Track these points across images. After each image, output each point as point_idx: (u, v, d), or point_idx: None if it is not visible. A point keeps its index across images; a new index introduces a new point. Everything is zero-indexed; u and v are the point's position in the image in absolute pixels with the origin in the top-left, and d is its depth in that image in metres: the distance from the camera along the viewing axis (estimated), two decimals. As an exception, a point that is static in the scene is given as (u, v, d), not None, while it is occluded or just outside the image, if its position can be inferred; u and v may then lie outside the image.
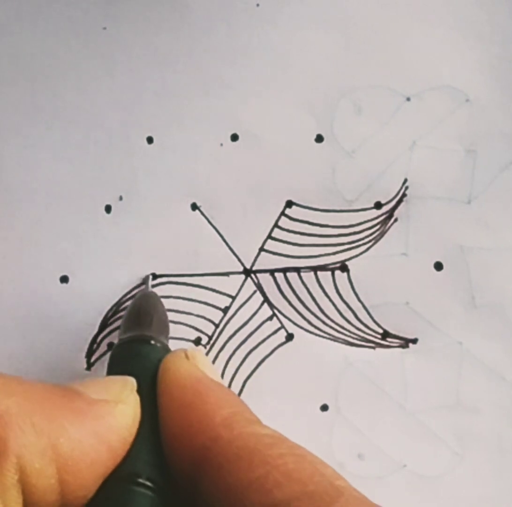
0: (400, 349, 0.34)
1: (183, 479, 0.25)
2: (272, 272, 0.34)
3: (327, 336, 0.34)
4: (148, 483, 0.24)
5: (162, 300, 0.33)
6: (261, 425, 0.25)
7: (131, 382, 0.27)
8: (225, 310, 0.34)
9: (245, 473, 0.23)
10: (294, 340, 0.34)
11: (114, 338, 0.34)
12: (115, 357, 0.29)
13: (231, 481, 0.23)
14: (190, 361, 0.28)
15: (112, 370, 0.28)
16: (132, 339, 0.29)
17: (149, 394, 0.26)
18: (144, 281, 0.34)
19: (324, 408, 0.34)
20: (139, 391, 0.26)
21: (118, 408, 0.25)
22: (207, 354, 0.34)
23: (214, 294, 0.34)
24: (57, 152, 0.34)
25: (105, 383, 0.26)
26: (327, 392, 0.33)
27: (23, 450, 0.23)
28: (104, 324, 0.34)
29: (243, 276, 0.34)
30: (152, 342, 0.29)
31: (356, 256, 0.34)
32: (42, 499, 0.23)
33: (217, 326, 0.34)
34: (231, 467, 0.23)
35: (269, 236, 0.34)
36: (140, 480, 0.24)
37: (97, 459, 0.24)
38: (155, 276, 0.34)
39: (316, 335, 0.34)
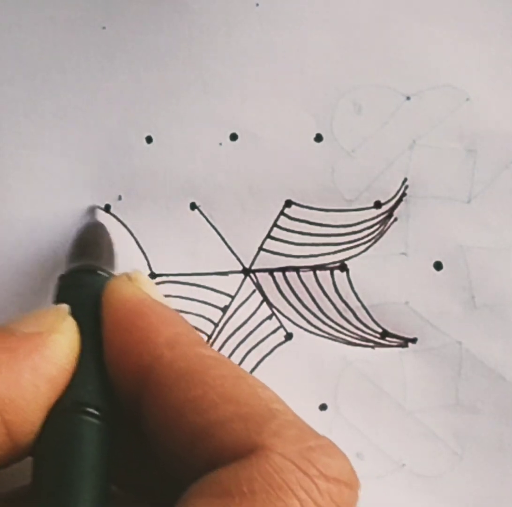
0: (399, 349, 0.34)
1: (127, 402, 0.24)
2: (271, 271, 0.34)
3: (326, 335, 0.34)
4: (94, 411, 0.24)
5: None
6: (206, 346, 0.25)
7: (63, 309, 0.26)
8: (224, 309, 0.34)
9: (183, 392, 0.23)
10: (293, 339, 0.34)
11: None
12: (60, 288, 0.28)
13: (170, 401, 0.23)
14: (134, 283, 0.27)
15: (55, 301, 0.28)
16: (77, 269, 0.29)
17: (92, 320, 0.26)
18: (89, 212, 0.33)
19: (323, 407, 0.34)
20: (81, 319, 0.26)
21: (51, 338, 0.25)
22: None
23: (213, 293, 0.34)
24: (57, 152, 0.34)
25: (37, 315, 0.26)
26: (326, 391, 0.33)
27: None
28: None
29: (242, 275, 0.34)
30: (98, 272, 0.28)
31: (356, 255, 0.34)
32: None
33: (216, 325, 0.34)
34: (171, 387, 0.23)
35: (268, 236, 0.34)
36: (86, 409, 0.24)
37: (36, 393, 0.24)
38: (154, 275, 0.34)
39: (315, 334, 0.34)
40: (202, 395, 0.23)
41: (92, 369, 0.25)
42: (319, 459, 0.23)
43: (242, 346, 0.34)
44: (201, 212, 0.34)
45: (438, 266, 0.34)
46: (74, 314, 0.26)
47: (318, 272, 0.34)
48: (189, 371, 0.24)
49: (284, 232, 0.34)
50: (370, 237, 0.34)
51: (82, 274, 0.28)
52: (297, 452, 0.22)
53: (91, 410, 0.24)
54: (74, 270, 0.29)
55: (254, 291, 0.34)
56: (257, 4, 0.34)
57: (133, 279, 0.28)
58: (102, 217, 0.33)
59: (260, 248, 0.34)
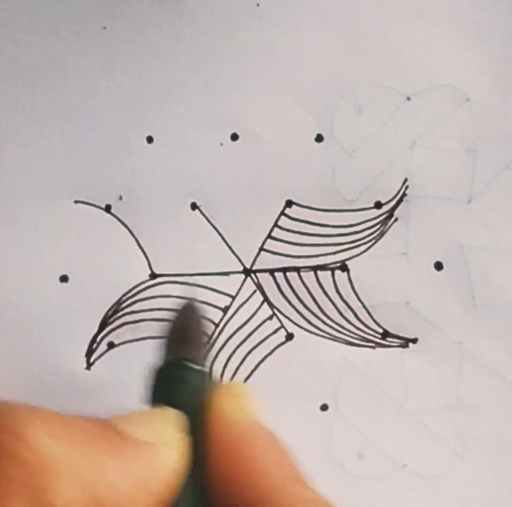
0: (400, 349, 0.34)
1: None
2: (272, 271, 0.34)
3: (327, 336, 0.34)
4: None
5: (162, 299, 0.33)
6: (306, 486, 0.24)
7: (176, 420, 0.24)
8: (225, 310, 0.34)
9: None
10: (294, 339, 0.34)
11: (114, 337, 0.34)
12: (158, 382, 0.26)
13: None
14: (241, 400, 0.25)
15: (154, 396, 0.26)
16: (175, 362, 0.26)
17: (195, 432, 0.24)
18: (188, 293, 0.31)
19: (324, 407, 0.33)
20: (185, 429, 0.24)
21: (162, 451, 0.23)
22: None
23: (214, 293, 0.34)
24: (57, 152, 0.34)
25: (150, 420, 0.24)
26: (327, 392, 0.33)
27: (65, 503, 0.20)
28: (104, 323, 0.34)
29: (243, 276, 0.34)
30: (192, 365, 0.26)
31: (356, 255, 0.34)
32: None
33: (217, 325, 0.34)
34: None
35: (269, 236, 0.34)
36: None
37: (136, 505, 0.22)
38: (154, 275, 0.34)
39: (316, 334, 0.34)
40: None
41: (193, 490, 0.24)
42: None
43: (242, 346, 0.34)
44: (201, 213, 0.34)
45: (438, 266, 0.34)
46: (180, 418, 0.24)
47: (319, 272, 0.34)
48: None
49: (285, 232, 0.34)
50: (370, 237, 0.34)
51: (181, 369, 0.26)
52: None
53: None
54: (172, 363, 0.27)
55: (254, 291, 0.34)
56: (258, 4, 0.34)
57: (239, 394, 0.26)
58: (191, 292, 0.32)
59: (261, 248, 0.34)
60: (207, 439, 0.24)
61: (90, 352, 0.34)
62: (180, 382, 0.26)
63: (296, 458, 0.25)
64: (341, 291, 0.34)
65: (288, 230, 0.34)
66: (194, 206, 0.34)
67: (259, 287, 0.34)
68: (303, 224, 0.34)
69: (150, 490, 0.22)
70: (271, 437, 0.25)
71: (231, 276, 0.34)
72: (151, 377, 0.26)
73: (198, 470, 0.24)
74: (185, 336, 0.27)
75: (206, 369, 0.26)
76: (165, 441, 0.23)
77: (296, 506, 0.23)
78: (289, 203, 0.34)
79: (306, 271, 0.34)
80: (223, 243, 0.34)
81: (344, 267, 0.34)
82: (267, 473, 0.24)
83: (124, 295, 0.34)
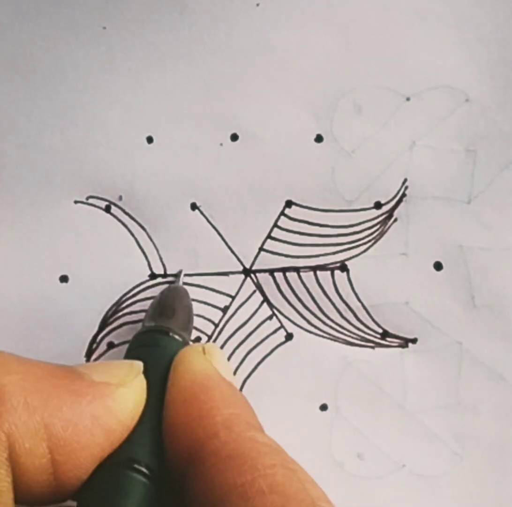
0: (399, 349, 0.34)
1: (177, 471, 0.25)
2: (271, 271, 0.34)
3: (327, 336, 0.34)
4: (145, 470, 0.24)
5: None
6: (261, 432, 0.25)
7: (138, 366, 0.26)
8: (224, 310, 0.34)
9: (232, 475, 0.23)
10: (293, 339, 0.34)
11: (114, 337, 0.34)
12: (133, 344, 0.29)
13: (218, 481, 0.23)
14: (206, 356, 0.27)
15: (128, 356, 0.28)
16: (153, 328, 0.29)
17: (159, 383, 0.26)
18: (176, 275, 0.34)
19: (324, 407, 0.34)
20: (149, 379, 0.26)
21: (119, 391, 0.25)
22: (206, 353, 0.34)
23: (214, 293, 0.34)
24: (57, 152, 0.34)
25: (110, 366, 0.26)
26: (327, 392, 0.33)
27: (13, 428, 0.22)
28: (103, 324, 0.34)
29: (242, 276, 0.34)
30: (171, 334, 0.29)
31: (356, 255, 0.34)
32: (32, 478, 0.23)
33: (216, 325, 0.34)
34: (221, 467, 0.23)
35: (269, 236, 0.34)
36: (137, 466, 0.24)
37: (92, 441, 0.24)
38: (154, 275, 0.34)
39: (316, 334, 0.34)
40: (250, 482, 0.23)
41: (150, 430, 0.25)
42: None
43: (242, 346, 0.34)
44: (201, 213, 0.34)
45: (438, 266, 0.34)
46: (145, 373, 0.27)
47: (318, 272, 0.34)
48: (241, 455, 0.23)
49: (285, 232, 0.34)
50: (370, 237, 0.34)
51: (157, 334, 0.29)
52: None
53: (141, 468, 0.24)
54: (149, 329, 0.29)
55: (254, 291, 0.34)
56: (257, 4, 0.34)
57: (206, 352, 0.28)
58: (182, 280, 0.34)
59: (261, 248, 0.34)
60: (167, 384, 0.26)
61: (90, 352, 0.34)
62: (154, 344, 0.28)
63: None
64: (340, 291, 0.34)
65: (287, 230, 0.34)
66: (194, 206, 0.34)
67: (258, 287, 0.34)
68: (302, 224, 0.34)
69: (103, 426, 0.24)
70: (229, 387, 0.26)
71: (231, 276, 0.34)
72: (132, 339, 0.29)
73: (156, 412, 0.25)
74: (168, 310, 0.30)
75: (181, 339, 0.29)
76: (123, 382, 0.25)
77: (249, 447, 0.24)
78: (288, 204, 0.34)
79: (305, 271, 0.34)
80: (223, 243, 0.34)
81: (343, 267, 0.34)
82: (221, 416, 0.25)
83: (124, 295, 0.34)
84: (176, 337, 0.29)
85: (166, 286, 0.33)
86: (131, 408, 0.25)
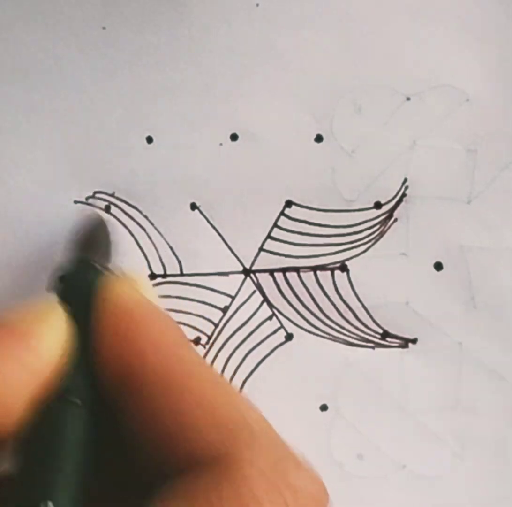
0: (399, 349, 0.34)
1: (110, 400, 0.25)
2: (271, 271, 0.34)
3: (327, 336, 0.34)
4: (77, 401, 0.24)
5: (162, 299, 0.33)
6: (190, 351, 0.25)
7: (63, 305, 0.26)
8: (224, 310, 0.34)
9: (161, 395, 0.23)
10: (293, 339, 0.34)
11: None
12: (54, 280, 0.28)
13: (147, 403, 0.23)
14: (130, 282, 0.27)
15: (54, 290, 0.28)
16: (73, 261, 0.29)
17: (86, 314, 0.26)
18: (94, 206, 0.33)
19: (324, 408, 0.33)
20: (75, 312, 0.26)
21: (41, 330, 0.24)
22: (206, 353, 0.34)
23: (214, 293, 0.34)
24: (57, 152, 0.34)
25: (27, 305, 0.26)
26: (327, 392, 0.33)
27: None
28: (103, 324, 0.34)
29: (242, 276, 0.34)
30: (94, 264, 0.28)
31: (356, 255, 0.34)
32: None
33: (216, 325, 0.34)
34: (149, 389, 0.23)
35: (269, 236, 0.34)
36: (70, 399, 0.24)
37: (19, 384, 0.23)
38: (154, 275, 0.34)
39: (316, 334, 0.34)
40: (180, 399, 0.23)
41: (81, 363, 0.25)
42: (289, 472, 0.23)
43: (242, 346, 0.34)
44: (201, 213, 0.34)
45: (438, 266, 0.34)
46: (69, 306, 0.26)
47: (318, 272, 0.34)
48: (169, 374, 0.24)
49: (285, 232, 0.34)
50: (370, 237, 0.34)
51: (78, 266, 0.29)
52: (267, 464, 0.22)
53: (74, 400, 0.24)
54: (69, 261, 0.29)
55: (254, 291, 0.34)
56: (257, 4, 0.34)
57: (130, 278, 0.28)
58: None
59: (261, 248, 0.34)
60: (94, 318, 0.26)
61: (89, 352, 0.34)
62: (79, 278, 0.28)
63: (180, 328, 0.26)
64: (340, 291, 0.34)
65: (287, 230, 0.34)
66: (194, 206, 0.34)
67: (258, 287, 0.34)
68: (302, 224, 0.34)
69: (29, 368, 0.24)
70: (157, 312, 0.26)
71: (231, 276, 0.34)
72: (53, 272, 0.28)
73: (85, 348, 0.25)
74: (91, 242, 0.30)
75: (104, 269, 0.29)
76: (48, 324, 0.25)
77: (179, 366, 0.24)
78: (288, 204, 0.34)
79: (305, 271, 0.34)
80: (223, 243, 0.34)
81: (343, 267, 0.34)
82: (150, 340, 0.25)
83: (124, 295, 0.34)
84: (98, 266, 0.28)
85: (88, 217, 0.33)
86: (55, 344, 0.25)
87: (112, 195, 0.34)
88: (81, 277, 0.28)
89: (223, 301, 0.34)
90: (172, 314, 0.33)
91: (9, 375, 0.23)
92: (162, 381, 0.24)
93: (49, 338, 0.25)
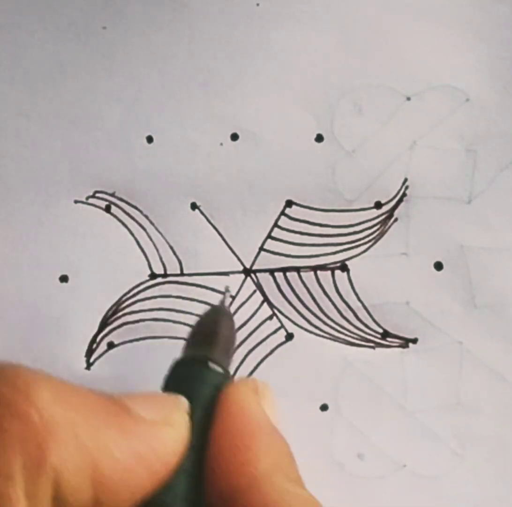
0: (400, 349, 0.34)
1: None
2: (272, 271, 0.34)
3: (327, 336, 0.34)
4: None
5: (162, 299, 0.33)
6: (300, 485, 0.25)
7: (183, 403, 0.25)
8: (224, 310, 0.34)
9: None
10: (294, 339, 0.34)
11: (114, 337, 0.34)
12: (172, 376, 0.27)
13: None
14: (257, 397, 0.26)
15: (167, 389, 0.26)
16: (191, 358, 0.27)
17: (202, 420, 0.25)
18: (224, 292, 0.31)
19: (324, 407, 0.33)
20: (191, 416, 0.25)
21: (165, 431, 0.24)
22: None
23: (214, 293, 0.34)
24: (57, 152, 0.34)
25: (156, 400, 0.25)
26: (327, 392, 0.33)
27: (62, 464, 0.21)
28: (103, 324, 0.34)
29: (243, 276, 0.34)
30: (211, 365, 0.26)
31: (356, 255, 0.34)
32: None
33: (216, 325, 0.34)
34: None
35: (269, 236, 0.34)
36: None
37: (136, 482, 0.23)
38: (154, 275, 0.34)
39: (316, 334, 0.34)
40: None
41: (191, 472, 0.24)
42: None
43: (243, 346, 0.34)
44: (201, 212, 0.34)
45: (438, 266, 0.34)
46: (190, 407, 0.25)
47: (318, 272, 0.34)
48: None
49: (285, 232, 0.34)
50: (370, 237, 0.34)
51: (197, 366, 0.27)
52: None
53: None
54: (188, 359, 0.27)
55: (254, 291, 0.34)
56: (257, 4, 0.34)
57: (260, 392, 0.26)
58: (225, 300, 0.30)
59: (261, 248, 0.34)
60: (212, 425, 0.25)
61: (90, 352, 0.34)
62: (197, 379, 0.26)
63: (296, 460, 0.25)
64: (341, 291, 0.34)
65: (288, 230, 0.34)
66: (194, 206, 0.34)
67: (259, 286, 0.34)
68: (303, 224, 0.34)
69: (147, 466, 0.23)
70: (276, 435, 0.25)
71: (231, 275, 0.34)
72: (170, 369, 0.27)
73: (198, 454, 0.24)
74: (212, 336, 0.28)
75: (227, 373, 0.27)
76: (169, 422, 0.24)
77: (285, 500, 0.23)
78: (289, 203, 0.34)
79: (306, 271, 0.34)
80: (223, 243, 0.34)
81: (344, 267, 0.34)
82: (263, 466, 0.24)
83: (124, 295, 0.34)
84: (217, 367, 0.27)
85: (208, 307, 0.31)
86: (175, 448, 0.24)
87: (112, 195, 0.34)
88: (202, 377, 0.26)
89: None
90: (172, 313, 0.34)
91: (129, 470, 0.23)
92: None
93: (171, 441, 0.24)
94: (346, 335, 0.34)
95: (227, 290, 0.31)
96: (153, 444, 0.23)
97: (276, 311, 0.34)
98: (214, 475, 0.24)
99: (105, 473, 0.22)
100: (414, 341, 0.34)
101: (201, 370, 0.26)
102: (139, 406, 0.24)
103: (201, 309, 0.34)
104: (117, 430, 0.23)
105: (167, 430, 0.24)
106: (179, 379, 0.26)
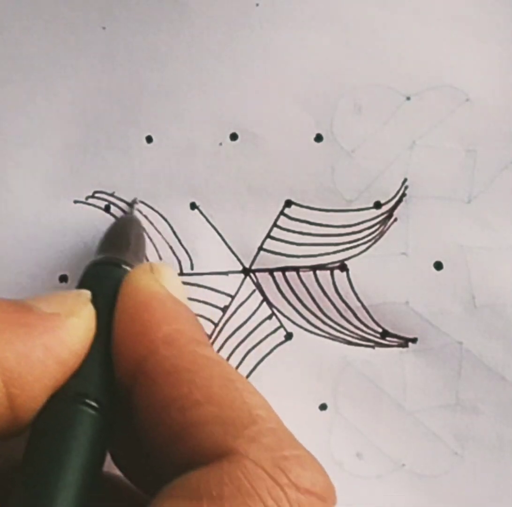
0: (399, 349, 0.34)
1: (124, 394, 0.25)
2: (271, 271, 0.34)
3: (326, 335, 0.34)
4: (94, 404, 0.24)
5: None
6: (203, 346, 0.25)
7: (85, 294, 0.26)
8: (224, 309, 0.34)
9: (170, 389, 0.23)
10: (293, 339, 0.34)
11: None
12: (84, 277, 0.29)
13: (157, 396, 0.24)
14: (153, 275, 0.27)
15: (78, 287, 0.28)
16: (104, 261, 0.29)
17: (108, 311, 0.26)
18: (131, 204, 0.33)
19: (323, 407, 0.33)
20: (98, 308, 0.26)
21: (69, 321, 0.25)
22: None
23: (213, 293, 0.34)
24: (57, 152, 0.34)
25: (59, 297, 0.26)
26: (326, 391, 0.33)
27: None
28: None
29: (242, 275, 0.34)
30: (123, 265, 0.28)
31: (356, 255, 0.34)
32: None
33: (216, 325, 0.34)
34: (160, 383, 0.24)
35: (268, 236, 0.34)
36: (87, 400, 0.24)
37: (45, 372, 0.24)
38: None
39: (315, 334, 0.34)
40: (187, 394, 0.23)
41: (99, 359, 0.25)
42: (292, 468, 0.23)
43: (242, 346, 0.34)
44: (201, 212, 0.34)
45: (438, 265, 0.34)
46: (94, 303, 0.27)
47: (318, 272, 0.34)
48: (179, 369, 0.24)
49: (284, 232, 0.34)
50: (370, 237, 0.34)
51: (107, 266, 0.29)
52: (270, 460, 0.22)
53: (90, 402, 0.24)
54: (99, 261, 0.29)
55: (254, 291, 0.34)
56: (257, 4, 0.34)
57: (155, 270, 0.28)
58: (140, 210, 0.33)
59: (260, 248, 0.34)
60: (114, 309, 0.26)
61: (89, 352, 0.34)
62: (104, 276, 0.28)
63: (199, 323, 0.26)
64: (340, 290, 0.34)
65: (287, 230, 0.34)
66: (193, 206, 0.34)
67: (258, 286, 0.34)
68: (302, 224, 0.34)
69: (56, 356, 0.24)
70: (175, 303, 0.26)
71: (231, 275, 0.34)
72: (84, 270, 0.29)
73: (105, 340, 0.26)
74: (122, 241, 0.30)
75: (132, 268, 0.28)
76: (73, 312, 0.25)
77: (188, 361, 0.24)
78: (288, 203, 0.34)
79: (305, 271, 0.34)
80: (223, 243, 0.34)
81: (343, 267, 0.34)
82: (163, 332, 0.25)
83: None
84: (128, 268, 0.28)
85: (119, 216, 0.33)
86: (82, 338, 0.25)
87: (112, 195, 0.34)
88: (109, 274, 0.28)
89: (223, 301, 0.34)
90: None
91: (37, 362, 0.24)
92: (171, 375, 0.24)
93: (78, 331, 0.25)
94: (345, 334, 0.34)
95: (134, 201, 0.33)
96: (60, 335, 0.24)
97: (275, 311, 0.34)
98: (120, 355, 0.25)
99: (12, 368, 0.23)
100: (414, 340, 0.34)
101: (110, 269, 0.28)
102: (41, 304, 0.25)
103: (201, 309, 0.34)
104: (19, 326, 0.24)
105: (73, 320, 0.25)
106: (91, 278, 0.28)
